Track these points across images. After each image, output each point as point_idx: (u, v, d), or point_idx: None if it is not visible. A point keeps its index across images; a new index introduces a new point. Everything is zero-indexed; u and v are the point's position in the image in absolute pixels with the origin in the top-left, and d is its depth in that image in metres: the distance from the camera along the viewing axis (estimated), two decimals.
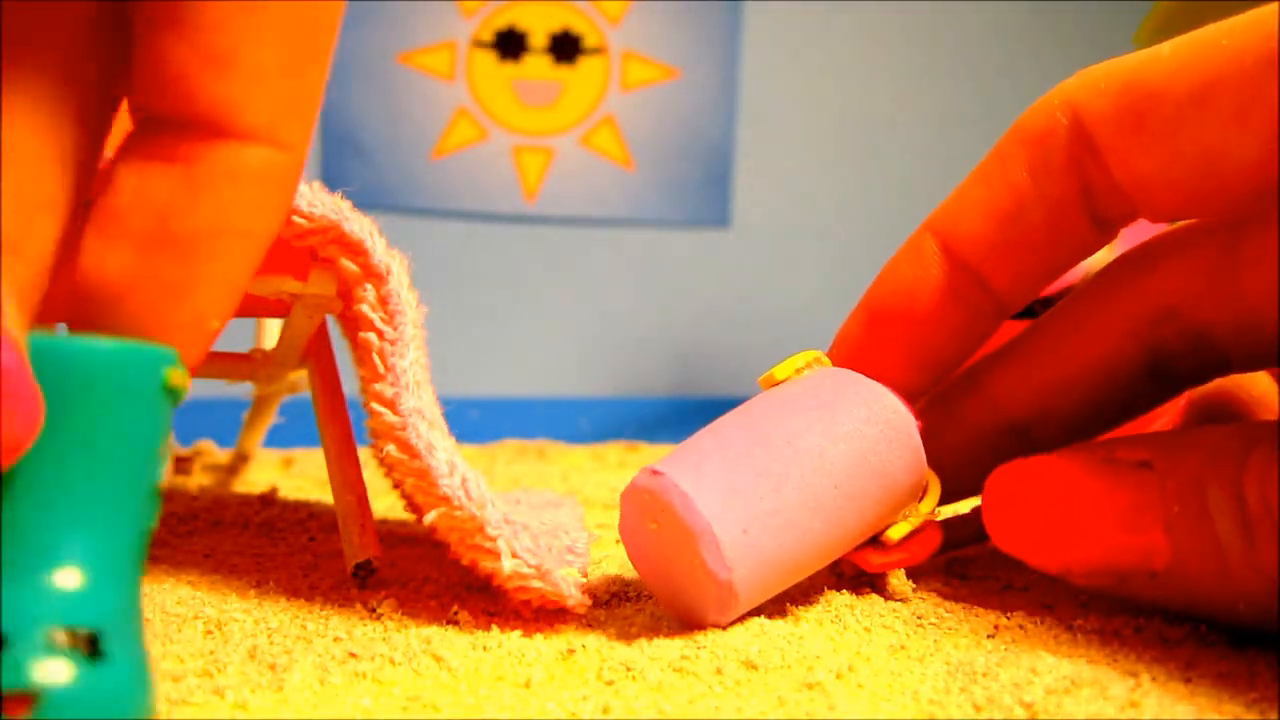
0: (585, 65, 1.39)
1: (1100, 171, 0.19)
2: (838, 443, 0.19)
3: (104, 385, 0.14)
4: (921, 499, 0.21)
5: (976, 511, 0.25)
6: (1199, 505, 0.17)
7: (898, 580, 0.21)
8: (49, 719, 0.12)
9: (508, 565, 0.19)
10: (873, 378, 0.21)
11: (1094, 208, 0.20)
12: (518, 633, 0.19)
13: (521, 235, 1.38)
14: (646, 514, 0.19)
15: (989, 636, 0.19)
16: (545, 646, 0.18)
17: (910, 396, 0.22)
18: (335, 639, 0.18)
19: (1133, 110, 0.18)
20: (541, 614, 0.20)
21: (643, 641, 0.18)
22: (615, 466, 0.39)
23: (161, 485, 0.15)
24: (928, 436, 0.23)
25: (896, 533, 0.20)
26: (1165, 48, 0.18)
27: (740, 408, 0.20)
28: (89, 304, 0.16)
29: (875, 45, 1.41)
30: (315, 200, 0.20)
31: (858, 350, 0.22)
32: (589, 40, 1.39)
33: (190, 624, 0.19)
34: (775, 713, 0.15)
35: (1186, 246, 0.20)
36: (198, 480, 0.35)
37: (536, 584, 0.19)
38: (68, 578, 0.13)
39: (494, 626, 0.19)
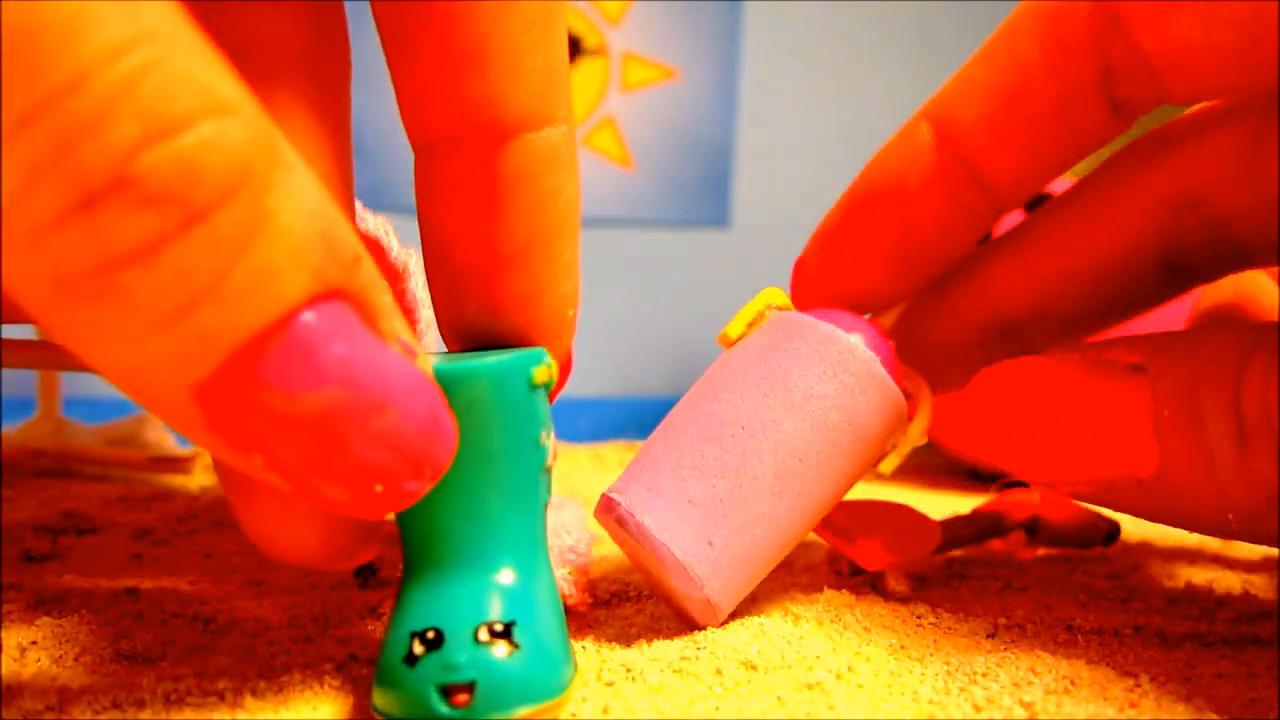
0: (585, 66, 1.39)
1: (1126, 46, 0.17)
2: (794, 411, 0.18)
3: (484, 401, 0.15)
4: (912, 420, 0.20)
5: (976, 512, 0.25)
6: (1191, 410, 0.16)
7: (897, 580, 0.21)
8: (483, 706, 0.14)
9: None
10: (849, 276, 0.20)
11: (1114, 89, 0.18)
12: None
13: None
14: (619, 538, 0.18)
15: (989, 636, 0.19)
16: None
17: (885, 298, 0.20)
18: (335, 639, 0.18)
19: None
20: None
21: (643, 642, 0.18)
22: (615, 466, 0.39)
23: (550, 465, 0.16)
24: (916, 328, 0.21)
25: (888, 466, 0.20)
26: None
27: (693, 390, 0.19)
28: (465, 342, 0.17)
29: (876, 45, 1.41)
30: None
31: (835, 243, 0.20)
32: (589, 41, 1.39)
33: (190, 624, 0.19)
34: (775, 713, 0.15)
35: (1213, 128, 0.19)
36: (198, 480, 0.35)
37: None
38: (488, 576, 0.15)
39: None
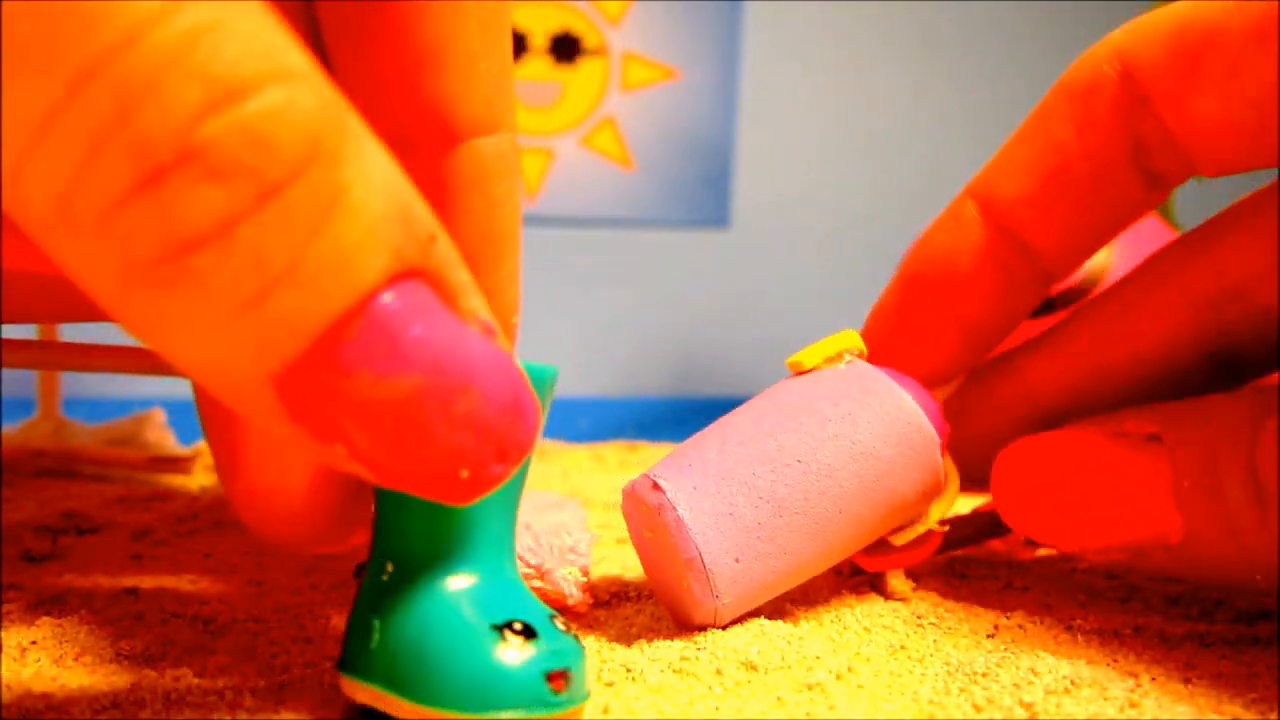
0: (585, 66, 1.39)
1: (1153, 123, 0.18)
2: (850, 464, 0.18)
3: (543, 401, 0.15)
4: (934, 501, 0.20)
5: (976, 512, 0.25)
6: (1210, 478, 0.17)
7: (898, 580, 0.21)
8: (577, 690, 0.14)
9: None
10: (911, 352, 0.20)
11: (1145, 163, 0.19)
12: None
13: (521, 235, 1.38)
14: (644, 521, 0.18)
15: (989, 636, 0.19)
16: None
17: (950, 372, 0.21)
18: (335, 639, 0.18)
19: (1188, 53, 0.17)
20: None
21: (643, 642, 0.18)
22: (615, 466, 0.39)
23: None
24: (957, 419, 0.22)
25: (901, 539, 0.20)
26: None
27: (756, 405, 0.19)
28: None
29: (876, 45, 1.41)
30: None
31: (895, 323, 0.21)
32: (589, 41, 1.39)
33: (190, 624, 0.19)
34: (775, 713, 0.15)
35: (1252, 218, 0.19)
36: (198, 480, 0.35)
37: (537, 583, 0.19)
38: (514, 569, 0.15)
39: None
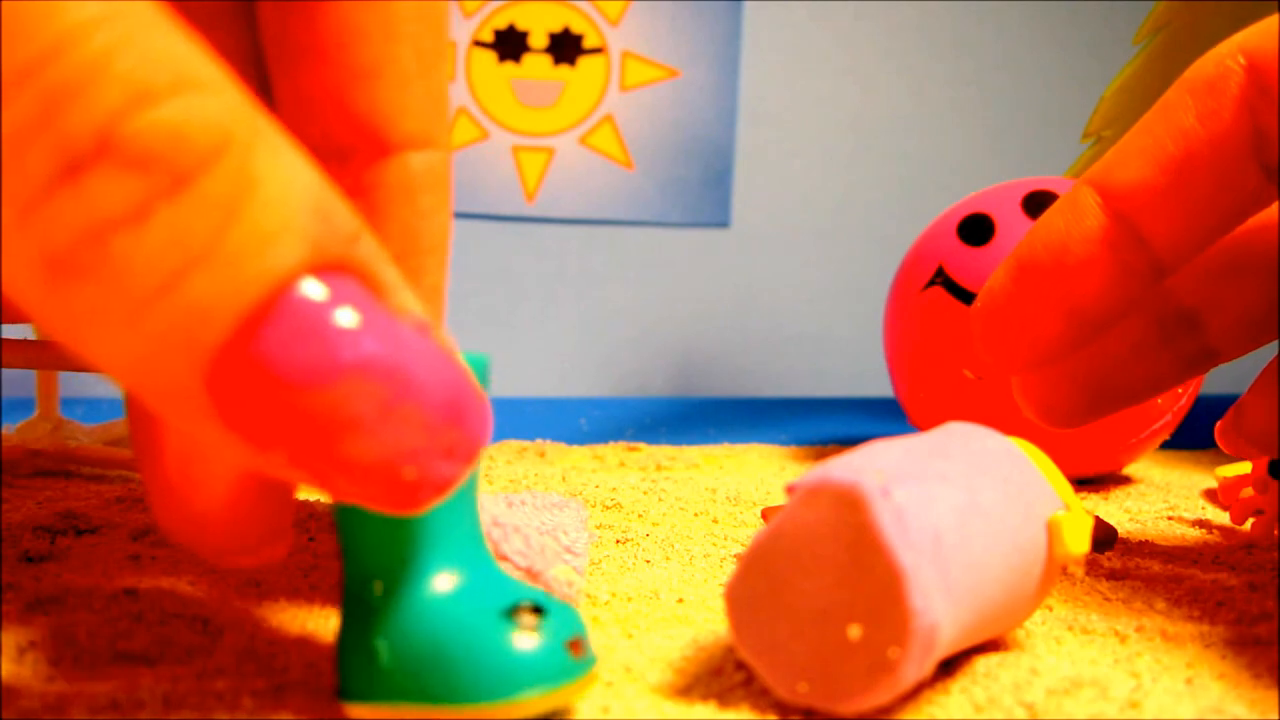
0: (585, 65, 1.39)
1: (1275, 116, 0.19)
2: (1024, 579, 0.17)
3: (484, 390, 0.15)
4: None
5: None
6: None
7: None
8: (590, 655, 0.15)
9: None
10: (1017, 333, 0.20)
11: (1265, 156, 0.19)
12: None
13: (521, 235, 1.37)
14: (822, 516, 0.15)
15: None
16: None
17: (1051, 356, 0.21)
18: (335, 640, 0.18)
19: None
20: None
21: (643, 642, 0.18)
22: (615, 466, 0.39)
23: None
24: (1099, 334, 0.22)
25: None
26: None
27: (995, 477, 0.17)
28: None
29: (876, 45, 1.41)
30: None
31: (1005, 303, 0.21)
32: (589, 40, 1.39)
33: (189, 624, 0.19)
34: (775, 713, 0.15)
35: None
36: None
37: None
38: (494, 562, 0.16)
39: None
